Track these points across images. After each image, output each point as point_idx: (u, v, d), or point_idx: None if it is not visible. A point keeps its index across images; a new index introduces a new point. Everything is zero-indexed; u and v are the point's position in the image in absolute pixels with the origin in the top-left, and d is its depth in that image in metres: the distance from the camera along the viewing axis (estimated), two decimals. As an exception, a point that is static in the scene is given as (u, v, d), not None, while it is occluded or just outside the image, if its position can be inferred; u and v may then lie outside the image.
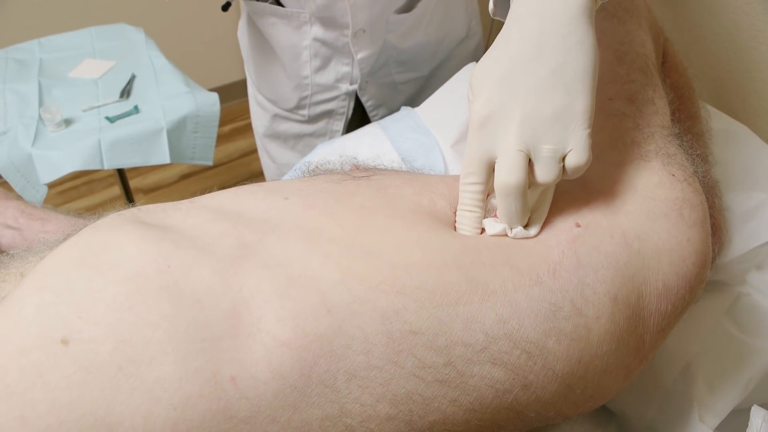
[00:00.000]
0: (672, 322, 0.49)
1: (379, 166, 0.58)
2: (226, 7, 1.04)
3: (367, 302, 0.40)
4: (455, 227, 0.49)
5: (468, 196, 0.48)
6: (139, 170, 2.51)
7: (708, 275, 0.51)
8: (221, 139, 2.77)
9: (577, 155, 0.44)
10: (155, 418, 0.35)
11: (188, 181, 2.55)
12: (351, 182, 0.52)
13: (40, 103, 1.45)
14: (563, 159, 0.45)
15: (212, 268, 0.40)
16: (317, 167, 0.59)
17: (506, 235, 0.47)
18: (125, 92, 1.51)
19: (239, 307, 0.39)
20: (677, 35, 0.98)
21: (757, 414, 0.56)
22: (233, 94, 2.72)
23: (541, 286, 0.43)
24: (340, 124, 1.11)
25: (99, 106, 1.47)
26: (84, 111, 1.45)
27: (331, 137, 1.12)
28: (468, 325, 0.41)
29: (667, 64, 0.71)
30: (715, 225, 0.71)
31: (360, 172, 0.55)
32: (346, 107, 1.08)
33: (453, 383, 0.40)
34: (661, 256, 0.47)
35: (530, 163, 0.45)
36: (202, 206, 0.48)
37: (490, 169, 0.46)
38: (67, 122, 1.40)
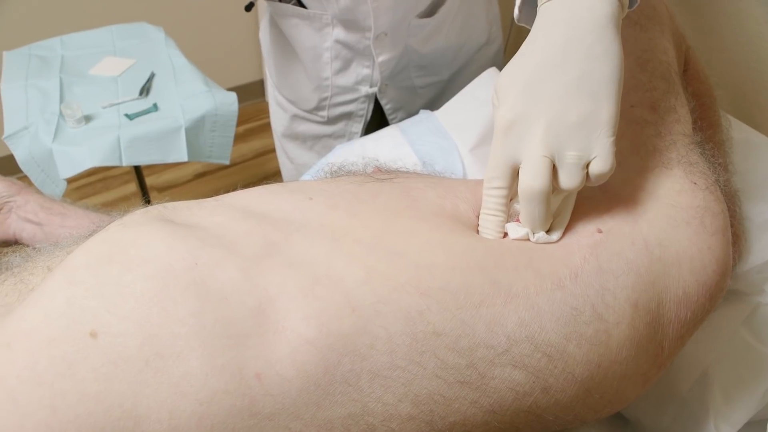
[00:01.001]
0: (691, 330, 0.50)
1: (401, 169, 0.58)
2: (249, 8, 1.05)
3: (392, 302, 0.41)
4: (478, 230, 0.50)
5: (492, 200, 0.48)
6: (153, 168, 2.52)
7: (728, 283, 0.51)
8: (235, 139, 2.78)
9: (601, 162, 0.44)
10: (181, 413, 0.36)
11: (202, 180, 2.56)
12: (374, 184, 0.52)
13: (61, 100, 1.47)
14: (587, 166, 0.45)
15: (238, 266, 0.41)
16: (340, 168, 0.59)
17: (528, 239, 0.47)
18: (144, 90, 1.52)
19: (265, 304, 0.39)
20: (699, 43, 0.98)
21: (775, 426, 0.56)
22: (248, 95, 2.74)
23: (563, 290, 0.43)
24: (359, 126, 1.11)
25: (119, 104, 1.48)
26: (104, 108, 1.46)
27: (349, 139, 1.12)
28: (490, 327, 0.41)
29: (689, 72, 0.71)
30: (735, 234, 0.71)
31: (382, 174, 0.56)
32: (366, 109, 1.09)
33: (474, 385, 0.41)
34: (681, 264, 0.47)
35: (554, 169, 0.45)
36: (227, 204, 0.48)
37: (515, 174, 0.46)
38: (87, 119, 1.42)
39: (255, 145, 2.71)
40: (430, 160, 0.85)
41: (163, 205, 0.48)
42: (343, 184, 0.52)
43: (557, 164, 0.45)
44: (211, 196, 0.51)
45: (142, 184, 1.78)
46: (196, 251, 0.41)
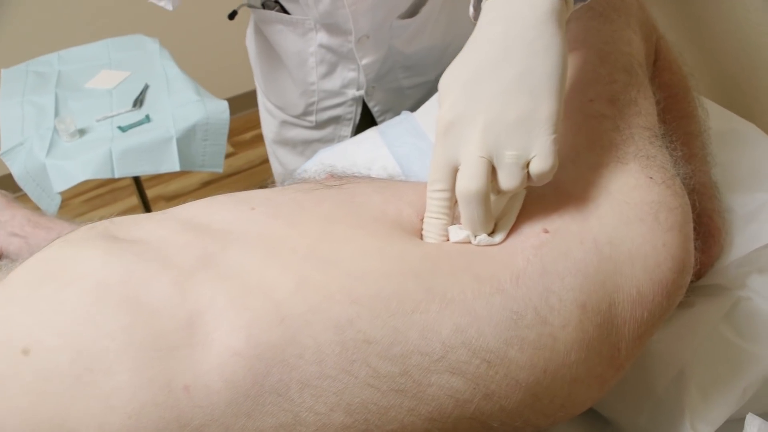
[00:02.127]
0: (650, 330, 0.48)
1: (356, 174, 0.58)
2: (232, 16, 1.06)
3: (321, 312, 0.40)
4: (422, 235, 0.49)
5: (434, 203, 0.47)
6: (161, 178, 2.55)
7: (688, 281, 0.49)
8: (242, 146, 2.81)
9: (541, 161, 0.43)
10: (110, 426, 0.36)
11: (209, 188, 2.58)
12: (321, 191, 0.52)
13: (56, 114, 1.49)
14: (528, 165, 0.44)
15: (171, 279, 0.41)
16: (293, 176, 0.59)
17: (470, 242, 0.46)
18: (138, 102, 1.54)
19: (195, 317, 0.39)
20: (686, 33, 0.96)
21: (752, 423, 0.54)
22: (254, 101, 2.75)
23: (503, 294, 0.42)
24: (347, 130, 1.11)
25: (112, 116, 1.50)
26: (98, 121, 1.48)
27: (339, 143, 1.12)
28: (424, 334, 0.40)
29: (659, 63, 0.69)
30: (715, 228, 0.69)
31: (333, 180, 0.55)
32: (354, 113, 1.08)
33: (410, 393, 0.40)
34: (634, 262, 0.46)
35: (494, 170, 0.44)
36: (172, 217, 0.49)
37: (456, 176, 0.45)
38: (81, 132, 1.43)
39: (262, 151, 2.72)
40: (407, 162, 0.84)
41: (110, 220, 0.49)
42: (289, 193, 0.51)
43: (496, 164, 0.44)
44: None
45: (143, 195, 1.80)
46: (132, 266, 0.41)
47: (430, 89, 1.12)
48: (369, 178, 0.57)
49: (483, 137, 0.43)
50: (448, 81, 0.46)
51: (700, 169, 0.70)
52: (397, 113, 1.10)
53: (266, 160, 2.66)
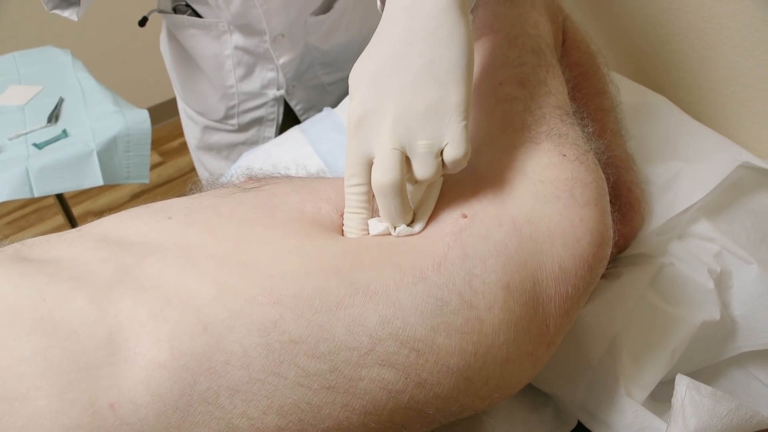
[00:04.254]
0: (576, 304, 0.49)
1: (274, 175, 0.57)
2: (143, 23, 1.02)
3: (244, 316, 0.39)
4: (342, 230, 0.48)
5: (352, 198, 0.47)
6: (88, 193, 2.47)
7: (608, 253, 0.50)
8: (171, 154, 2.74)
9: (454, 148, 0.44)
10: None
11: (140, 200, 2.51)
12: (239, 195, 0.51)
13: (-36, 135, 1.41)
14: (441, 153, 0.44)
15: (88, 297, 0.40)
16: (210, 182, 0.58)
17: (390, 234, 0.46)
18: (53, 117, 1.47)
19: (115, 333, 0.38)
20: (597, 10, 0.98)
21: (681, 382, 0.56)
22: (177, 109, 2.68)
23: (425, 281, 0.42)
24: (271, 131, 1.09)
25: (26, 133, 1.43)
26: (10, 139, 1.41)
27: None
28: (350, 328, 0.40)
29: (567, 43, 0.71)
30: (635, 199, 0.72)
31: (252, 182, 0.54)
32: (276, 113, 1.07)
33: (341, 388, 0.40)
34: (554, 239, 0.46)
35: (409, 161, 0.44)
36: (86, 234, 0.47)
37: (371, 169, 0.45)
38: (-7, 152, 1.36)
39: (191, 158, 2.66)
40: (332, 159, 0.83)
41: (21, 242, 0.47)
42: (206, 199, 0.50)
43: (410, 155, 0.44)
44: None
45: (69, 213, 1.73)
46: (44, 287, 0.40)
47: (352, 84, 1.11)
48: (287, 178, 0.56)
49: (394, 129, 0.43)
50: (356, 75, 0.46)
51: (616, 143, 0.72)
52: (321, 110, 1.10)
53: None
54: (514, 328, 0.44)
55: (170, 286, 0.41)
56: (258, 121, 1.08)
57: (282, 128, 1.10)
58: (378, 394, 0.40)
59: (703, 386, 0.56)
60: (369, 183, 0.46)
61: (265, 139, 1.11)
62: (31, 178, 1.31)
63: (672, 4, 0.86)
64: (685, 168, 0.74)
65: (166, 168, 2.64)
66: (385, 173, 0.43)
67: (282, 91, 1.03)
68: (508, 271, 0.44)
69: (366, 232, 0.47)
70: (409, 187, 0.47)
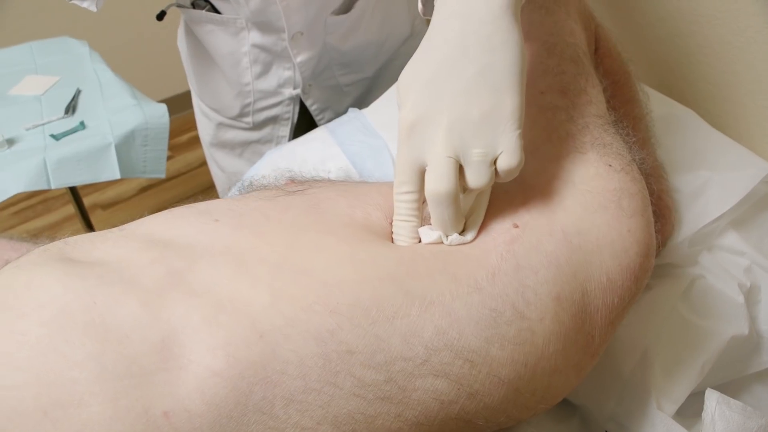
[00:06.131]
0: (621, 315, 0.49)
1: (315, 178, 0.56)
2: (160, 17, 1.02)
3: (300, 324, 0.39)
4: (392, 238, 0.48)
5: (402, 205, 0.47)
6: (96, 186, 2.46)
7: (653, 264, 0.50)
8: (180, 148, 2.74)
9: (508, 157, 0.43)
10: None
11: (147, 193, 2.51)
12: (284, 198, 0.50)
13: (-21, 124, 1.40)
14: (495, 162, 0.44)
15: (139, 301, 0.39)
16: (252, 183, 0.57)
17: (442, 242, 0.46)
18: (70, 108, 1.47)
19: (169, 338, 0.38)
20: (621, 22, 0.98)
21: (711, 397, 0.56)
22: (189, 103, 2.68)
23: (480, 292, 0.42)
24: (286, 130, 1.09)
25: (43, 124, 1.42)
26: (27, 130, 1.40)
27: (277, 143, 1.10)
28: (406, 339, 0.40)
29: (600, 51, 0.71)
30: (665, 207, 0.72)
31: (295, 185, 0.54)
32: (291, 112, 1.06)
33: (395, 399, 0.39)
34: (602, 250, 0.47)
35: (462, 168, 0.44)
36: (131, 234, 0.46)
37: (423, 177, 0.45)
38: (10, 142, 1.36)
39: (200, 153, 2.63)
40: (360, 160, 0.83)
41: (64, 241, 0.46)
42: (252, 201, 0.50)
43: (463, 163, 0.44)
44: (158, 209, 0.50)
45: (80, 205, 1.72)
46: (94, 289, 0.39)
47: (368, 86, 1.11)
48: (329, 182, 0.56)
49: (448, 136, 0.43)
50: (407, 81, 0.45)
51: (646, 151, 0.72)
52: (336, 111, 1.09)
53: (204, 163, 2.60)
54: (563, 339, 0.44)
55: (223, 291, 0.40)
56: (273, 120, 1.08)
57: (296, 127, 1.09)
58: (430, 405, 0.40)
59: (733, 401, 0.56)
60: (420, 190, 0.45)
61: (279, 138, 1.10)
62: (48, 169, 1.30)
63: (700, 17, 0.86)
64: (714, 177, 0.74)
65: (175, 162, 2.64)
66: (440, 181, 0.43)
67: (298, 91, 1.03)
68: (558, 282, 0.44)
69: (416, 240, 0.47)
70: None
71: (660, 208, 0.71)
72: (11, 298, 0.39)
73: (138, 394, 0.36)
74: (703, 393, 0.57)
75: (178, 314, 0.39)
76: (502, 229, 0.46)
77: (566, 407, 0.68)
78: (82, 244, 0.45)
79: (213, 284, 0.41)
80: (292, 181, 0.56)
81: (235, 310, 0.39)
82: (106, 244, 0.45)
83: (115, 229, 0.48)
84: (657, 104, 0.85)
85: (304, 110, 1.08)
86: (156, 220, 0.48)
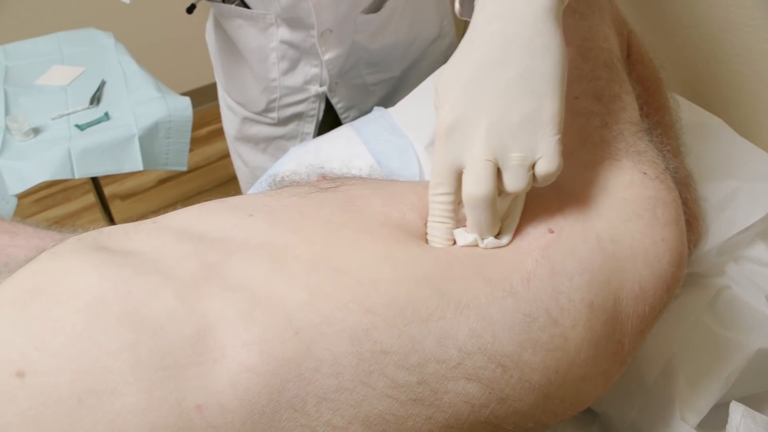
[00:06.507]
0: (651, 324, 0.49)
1: (347, 175, 0.56)
2: (190, 10, 1.02)
3: (335, 322, 0.39)
4: (426, 239, 0.48)
5: (438, 207, 0.46)
6: (115, 176, 2.47)
7: (684, 273, 0.50)
8: (199, 142, 2.75)
9: (547, 162, 0.43)
10: None
11: (166, 185, 2.52)
12: (318, 194, 0.50)
13: (7, 112, 1.42)
14: (533, 166, 0.44)
15: (174, 293, 0.39)
16: (283, 179, 0.57)
17: (477, 245, 0.46)
18: (95, 99, 1.48)
19: (203, 332, 0.38)
20: (652, 28, 0.97)
21: (736, 410, 0.55)
22: (210, 96, 2.68)
23: (515, 297, 0.42)
24: (311, 127, 1.09)
25: (68, 114, 1.44)
26: (53, 119, 1.42)
27: (302, 140, 1.10)
28: (441, 341, 0.40)
29: (632, 57, 0.70)
30: (692, 216, 0.71)
31: (327, 182, 0.54)
32: (317, 109, 1.07)
33: (427, 401, 0.39)
34: (636, 258, 0.46)
35: (499, 171, 0.44)
36: (165, 226, 0.46)
37: (459, 179, 0.45)
38: (36, 131, 1.37)
39: (219, 147, 2.68)
40: (385, 159, 0.83)
41: (98, 230, 0.46)
42: (285, 197, 0.50)
43: (501, 167, 0.43)
44: (175, 202, 0.50)
45: (101, 195, 1.74)
46: (130, 279, 0.39)
47: (394, 86, 1.11)
48: (361, 179, 0.55)
49: (487, 139, 0.43)
50: (446, 82, 0.45)
51: (676, 158, 0.72)
52: (361, 110, 1.09)
53: (224, 156, 2.63)
54: (594, 346, 0.44)
55: (259, 287, 0.40)
56: (298, 116, 1.08)
57: (321, 125, 1.09)
58: (461, 408, 0.40)
59: (759, 415, 0.55)
60: (456, 192, 0.45)
61: (304, 135, 1.11)
62: (72, 159, 1.32)
63: (731, 24, 0.85)
64: (743, 187, 0.74)
65: (194, 156, 2.65)
66: (477, 185, 0.43)
67: (324, 88, 1.03)
68: (592, 289, 0.44)
69: (450, 243, 0.47)
70: None
71: (688, 217, 0.70)
72: (47, 284, 0.39)
73: (171, 386, 0.36)
74: (726, 405, 0.57)
75: (213, 308, 0.39)
76: (537, 234, 0.46)
77: (587, 414, 0.67)
78: (116, 234, 0.45)
79: (248, 279, 0.41)
80: (324, 177, 0.56)
81: (271, 306, 0.39)
82: (140, 236, 0.45)
83: (148, 221, 0.48)
84: (685, 112, 0.84)
85: (329, 108, 1.08)
86: (190, 213, 0.48)
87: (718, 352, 0.64)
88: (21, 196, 1.35)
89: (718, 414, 0.61)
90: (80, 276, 0.39)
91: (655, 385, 0.62)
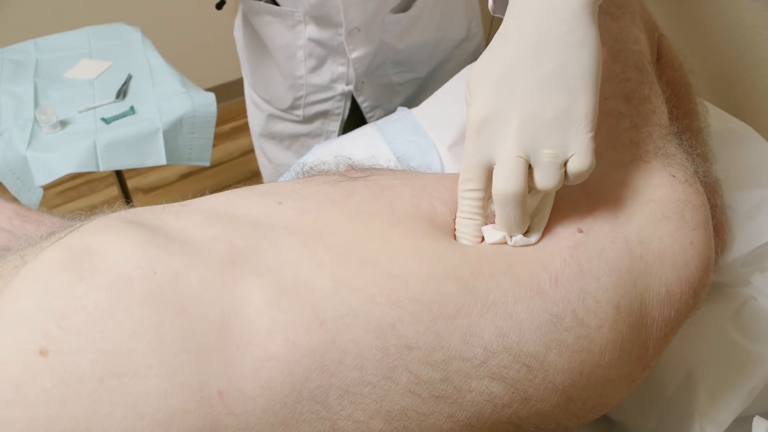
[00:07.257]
0: (675, 328, 0.48)
1: (375, 166, 0.56)
2: (220, 6, 1.03)
3: (361, 315, 0.39)
4: (455, 235, 0.48)
5: (467, 203, 0.46)
6: (138, 170, 2.50)
7: (711, 279, 0.49)
8: (222, 137, 2.77)
9: (579, 160, 0.42)
10: None
11: (188, 180, 2.54)
12: (347, 183, 0.50)
13: (36, 105, 1.44)
14: (565, 164, 0.43)
15: (200, 276, 0.38)
16: (312, 168, 0.57)
17: (506, 243, 0.45)
18: (121, 93, 1.50)
19: (228, 317, 0.37)
20: (681, 32, 0.96)
21: (759, 425, 0.54)
22: (233, 93, 2.71)
23: (543, 296, 0.42)
24: (336, 125, 1.09)
25: (95, 107, 1.46)
26: (80, 112, 1.44)
27: (327, 138, 1.11)
28: (466, 339, 0.39)
29: (662, 60, 0.69)
30: (718, 224, 0.70)
31: (356, 172, 0.53)
32: (342, 108, 1.07)
33: (450, 399, 0.39)
34: (663, 261, 0.46)
35: (530, 168, 0.43)
36: (193, 209, 0.46)
37: (489, 175, 0.44)
38: (63, 124, 1.39)
39: (242, 143, 2.69)
40: (407, 159, 0.83)
41: (125, 210, 0.46)
42: (315, 185, 0.49)
43: (533, 164, 0.43)
44: (197, 197, 0.49)
45: (124, 188, 1.76)
46: (156, 259, 0.38)
47: (420, 86, 1.11)
48: (390, 170, 0.55)
49: (519, 136, 0.42)
50: (478, 78, 0.45)
51: (707, 165, 0.71)
52: (387, 109, 1.09)
53: (246, 152, 2.65)
54: (619, 349, 0.43)
55: (286, 274, 0.40)
56: (323, 114, 1.08)
57: (346, 123, 1.09)
58: (483, 407, 0.40)
59: (782, 430, 0.54)
60: (485, 189, 0.45)
61: (329, 133, 1.11)
62: (98, 152, 1.33)
63: (764, 29, 0.84)
64: (772, 197, 0.72)
65: (216, 151, 2.66)
66: (508, 182, 0.42)
67: (350, 87, 1.03)
68: (619, 290, 0.43)
69: (478, 239, 0.46)
70: None
71: (714, 224, 0.70)
72: (71, 261, 0.38)
73: (194, 371, 0.35)
74: (748, 419, 0.56)
75: (239, 294, 0.38)
76: (566, 233, 0.45)
77: (603, 422, 0.67)
78: (142, 213, 0.44)
79: (276, 266, 0.40)
80: (351, 167, 0.56)
81: (297, 295, 0.39)
82: (168, 217, 0.44)
83: (176, 204, 0.47)
84: (713, 118, 0.83)
85: (354, 106, 1.08)
86: (219, 199, 0.47)
87: (740, 365, 0.63)
88: (46, 188, 1.37)
89: (740, 428, 0.60)
90: (104, 253, 0.38)
91: (674, 395, 0.61)
